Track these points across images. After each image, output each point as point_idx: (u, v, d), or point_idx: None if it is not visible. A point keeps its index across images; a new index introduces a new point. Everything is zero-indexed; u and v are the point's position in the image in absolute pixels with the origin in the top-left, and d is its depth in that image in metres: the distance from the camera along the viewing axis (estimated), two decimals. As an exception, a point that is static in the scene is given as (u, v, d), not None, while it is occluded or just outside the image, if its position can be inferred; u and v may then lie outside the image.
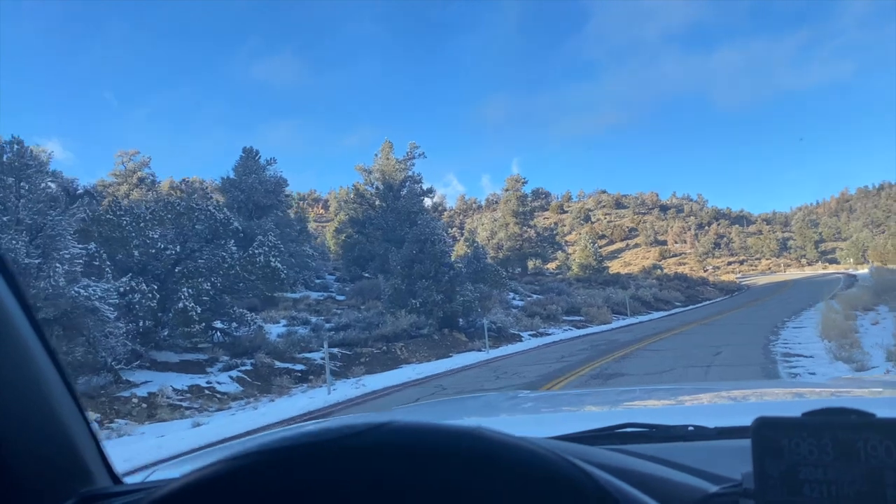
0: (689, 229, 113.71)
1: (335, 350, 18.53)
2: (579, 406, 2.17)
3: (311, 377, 16.14)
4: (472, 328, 21.37)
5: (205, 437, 8.27)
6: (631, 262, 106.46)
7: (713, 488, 0.82)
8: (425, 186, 37.05)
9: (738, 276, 61.87)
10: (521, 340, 21.92)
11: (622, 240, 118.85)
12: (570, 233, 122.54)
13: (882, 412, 0.68)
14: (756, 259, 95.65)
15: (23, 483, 0.79)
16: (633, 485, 0.64)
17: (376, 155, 37.26)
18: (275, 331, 20.79)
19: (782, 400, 1.98)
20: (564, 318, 28.05)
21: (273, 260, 17.96)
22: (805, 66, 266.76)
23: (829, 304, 21.27)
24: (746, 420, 0.79)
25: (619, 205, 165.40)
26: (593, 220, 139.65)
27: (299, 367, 16.99)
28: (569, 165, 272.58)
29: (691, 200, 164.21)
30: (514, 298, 33.20)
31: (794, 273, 65.07)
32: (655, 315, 31.51)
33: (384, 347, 18.71)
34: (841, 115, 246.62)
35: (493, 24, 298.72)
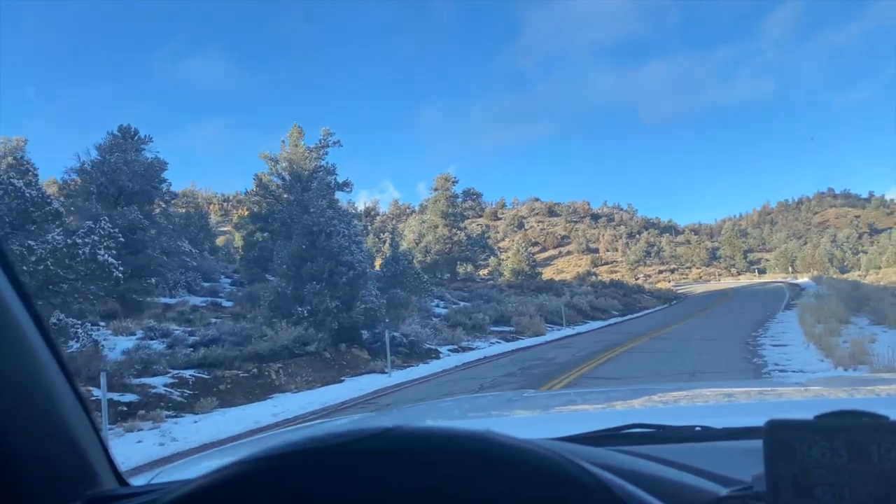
0: (620, 238, 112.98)
1: (189, 373, 14.03)
2: (586, 406, 2.15)
3: (140, 412, 11.64)
4: (379, 342, 17.19)
5: None
6: (564, 269, 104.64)
7: (723, 491, 0.81)
8: (340, 179, 32.62)
9: (673, 284, 60.21)
10: (437, 357, 17.87)
11: (555, 247, 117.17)
12: (503, 239, 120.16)
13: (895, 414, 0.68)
14: (686, 268, 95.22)
15: (26, 485, 0.77)
16: (642, 487, 0.63)
17: (283, 141, 32.58)
18: (123, 346, 16.12)
19: (791, 399, 1.94)
20: (493, 328, 24.26)
21: (102, 253, 13.31)
22: (729, 83, 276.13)
23: (802, 316, 18.27)
24: (755, 420, 0.79)
25: (551, 213, 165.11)
26: (526, 227, 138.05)
27: (129, 397, 12.43)
28: (504, 174, 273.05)
29: (622, 210, 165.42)
30: (437, 306, 29.18)
31: (729, 282, 63.86)
32: (593, 325, 28.13)
33: (255, 369, 14.29)
34: (762, 132, 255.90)
35: (426, 29, 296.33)
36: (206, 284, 27.65)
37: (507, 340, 21.90)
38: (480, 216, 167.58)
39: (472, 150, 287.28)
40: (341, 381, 14.36)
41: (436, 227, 49.53)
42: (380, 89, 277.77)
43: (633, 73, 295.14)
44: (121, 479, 0.93)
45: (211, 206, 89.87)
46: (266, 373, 14.10)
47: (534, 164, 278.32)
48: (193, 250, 26.24)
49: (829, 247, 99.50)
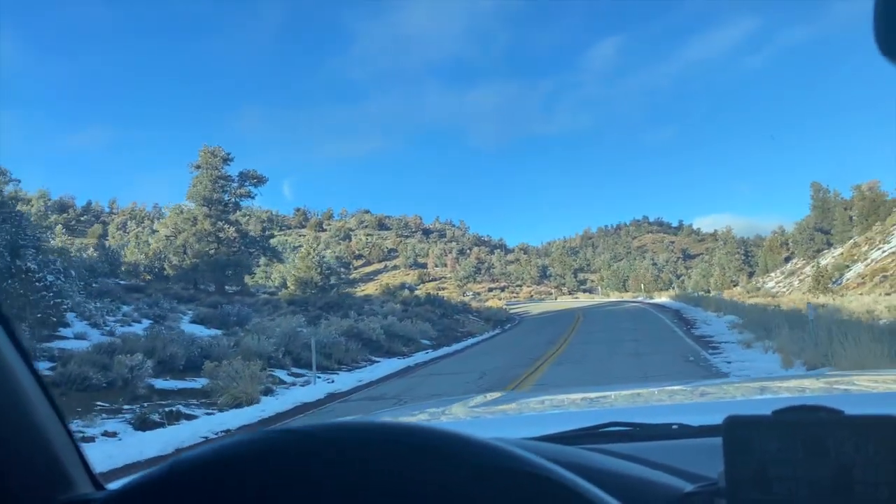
0: (450, 253, 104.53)
1: None
2: (565, 405, 2.15)
3: None
4: None
5: None
6: (389, 284, 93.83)
7: (688, 487, 0.82)
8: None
9: (505, 302, 51.86)
10: None
11: (380, 261, 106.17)
12: (325, 250, 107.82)
13: (852, 409, 0.69)
14: (517, 286, 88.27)
15: None
16: (612, 485, 0.64)
17: None
18: None
19: (761, 397, 1.97)
20: (165, 383, 11.92)
21: None
22: (551, 112, 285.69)
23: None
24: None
25: (382, 226, 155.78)
26: (353, 239, 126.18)
27: None
28: (339, 187, 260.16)
29: (454, 226, 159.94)
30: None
31: (567, 301, 56.30)
32: (378, 371, 16.44)
33: None
34: (584, 160, 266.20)
35: (251, 30, 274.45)
36: None
37: (137, 427, 9.37)
38: (304, 226, 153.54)
39: (303, 162, 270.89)
40: None
41: (195, 218, 35.85)
42: (194, 87, 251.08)
43: (464, 95, 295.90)
44: (97, 483, 0.90)
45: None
46: None
47: (369, 178, 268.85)
48: None
49: (652, 269, 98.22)
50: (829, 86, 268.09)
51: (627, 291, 69.77)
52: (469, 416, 1.98)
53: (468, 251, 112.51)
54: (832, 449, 0.67)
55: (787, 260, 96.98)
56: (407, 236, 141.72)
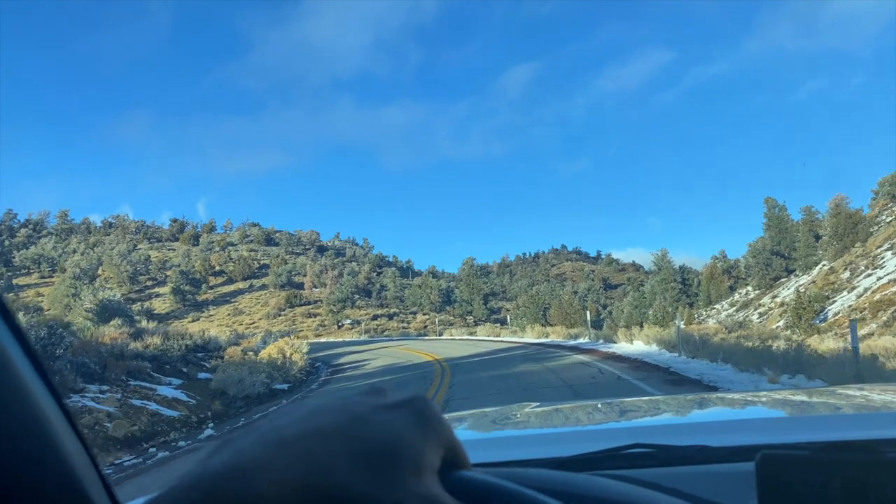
0: (328, 270, 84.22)
1: None
2: (589, 422, 2.08)
3: None
4: None
5: None
6: (247, 308, 72.84)
7: None
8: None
9: (367, 335, 33.09)
10: None
11: (245, 279, 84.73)
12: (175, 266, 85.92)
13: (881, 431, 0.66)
14: (411, 312, 69.06)
15: None
16: None
17: None
18: None
19: (793, 416, 1.85)
20: None
21: None
22: (465, 138, 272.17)
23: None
24: (757, 438, 0.78)
25: (270, 241, 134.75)
26: (240, 254, 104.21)
27: None
28: (237, 200, 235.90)
29: (356, 244, 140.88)
30: None
31: (462, 338, 35.92)
32: None
33: None
34: (500, 188, 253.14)
35: (139, 29, 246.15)
36: None
37: None
38: (176, 239, 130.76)
39: (202, 174, 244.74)
40: None
41: None
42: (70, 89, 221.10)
43: (374, 112, 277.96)
44: (114, 499, 0.87)
45: None
46: None
47: (271, 194, 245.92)
48: None
49: (573, 298, 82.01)
50: (742, 121, 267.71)
51: (550, 325, 51.84)
52: (499, 431, 1.92)
53: (376, 272, 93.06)
54: (871, 491, 0.62)
55: (732, 289, 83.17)
56: (298, 253, 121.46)
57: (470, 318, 69.36)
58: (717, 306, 76.24)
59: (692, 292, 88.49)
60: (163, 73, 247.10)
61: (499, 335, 32.65)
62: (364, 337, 42.16)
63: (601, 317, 76.82)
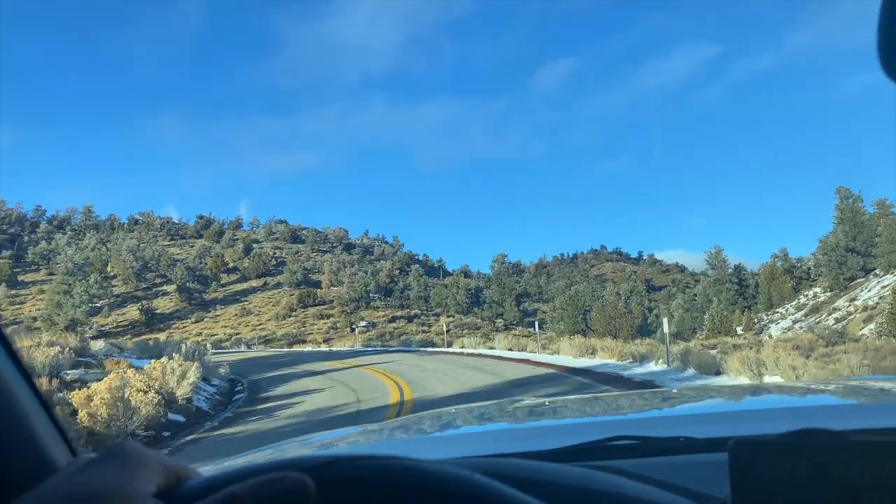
0: (346, 267, 77.96)
1: None
2: (573, 416, 2.11)
3: None
4: None
5: None
6: (258, 308, 66.97)
7: None
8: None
9: (360, 344, 26.65)
10: None
11: (259, 276, 79.06)
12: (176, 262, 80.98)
13: (861, 422, 0.69)
14: (435, 315, 62.23)
15: None
16: None
17: None
18: None
19: (767, 407, 1.95)
20: None
21: None
22: (501, 136, 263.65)
23: None
24: (737, 430, 0.79)
25: (296, 238, 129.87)
26: (255, 251, 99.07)
27: None
28: (271, 199, 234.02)
29: (385, 242, 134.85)
30: None
31: (473, 352, 25.75)
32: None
33: None
34: (536, 187, 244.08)
35: (171, 27, 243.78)
36: None
37: None
38: (201, 236, 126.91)
39: (229, 174, 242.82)
40: None
41: None
42: (108, 90, 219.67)
43: (408, 110, 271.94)
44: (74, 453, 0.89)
45: None
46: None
47: (303, 192, 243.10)
48: None
49: (616, 300, 74.02)
50: (789, 116, 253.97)
51: (591, 330, 44.47)
52: (483, 426, 1.92)
53: (405, 271, 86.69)
54: (838, 473, 0.65)
55: (795, 291, 74.22)
56: (324, 251, 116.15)
57: (500, 322, 62.19)
58: (780, 310, 67.53)
59: (749, 294, 79.79)
60: (197, 73, 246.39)
61: (524, 347, 23.90)
62: (358, 346, 35.51)
63: (648, 321, 68.88)
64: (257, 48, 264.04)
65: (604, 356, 17.72)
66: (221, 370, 17.14)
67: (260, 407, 12.11)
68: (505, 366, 17.09)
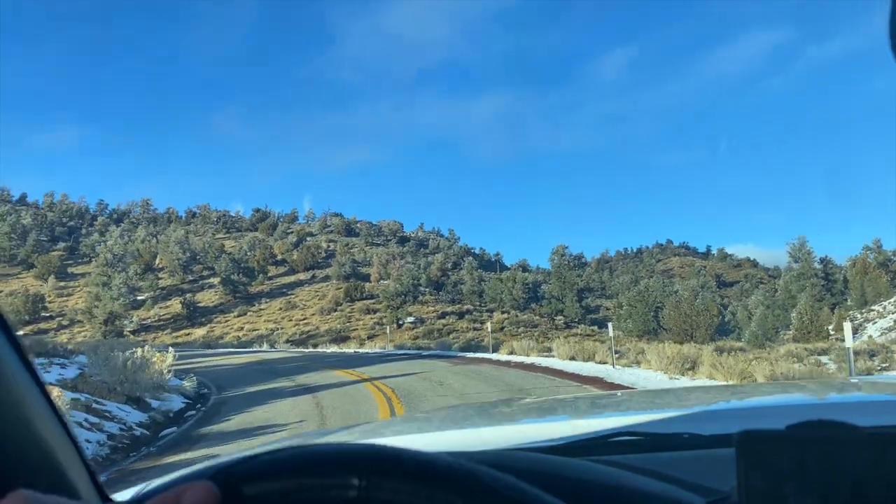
0: (396, 259, 74.04)
1: None
2: (579, 414, 2.10)
3: None
4: None
5: None
6: (303, 302, 63.98)
7: (701, 502, 0.80)
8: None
9: (391, 345, 22.35)
10: None
11: (308, 269, 76.19)
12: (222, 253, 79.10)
13: (870, 419, 0.70)
14: (488, 311, 57.66)
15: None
16: (625, 501, 0.64)
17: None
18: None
19: (776, 403, 1.95)
20: None
21: None
22: (559, 128, 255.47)
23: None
24: (743, 425, 0.80)
25: (350, 231, 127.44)
26: (308, 243, 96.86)
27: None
28: (333, 193, 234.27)
29: (441, 236, 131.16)
30: None
31: (525, 360, 19.04)
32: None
33: None
34: (599, 180, 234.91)
35: (229, 23, 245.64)
36: None
37: None
38: (256, 229, 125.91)
39: (289, 169, 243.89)
40: None
41: None
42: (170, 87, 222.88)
43: (464, 104, 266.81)
44: (104, 495, 0.86)
45: None
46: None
47: (357, 186, 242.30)
48: None
49: (692, 297, 67.77)
50: (867, 105, 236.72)
51: (665, 336, 39.24)
52: (488, 424, 1.87)
53: (431, 262, 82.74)
54: (847, 465, 0.64)
55: (893, 286, 66.38)
56: (378, 244, 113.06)
57: (559, 319, 57.12)
58: (876, 308, 60.16)
59: (837, 290, 72.06)
60: (258, 72, 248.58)
61: (592, 355, 17.28)
62: (391, 347, 31.17)
63: (725, 319, 62.62)
64: (314, 43, 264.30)
65: (715, 375, 11.88)
66: (187, 384, 13.27)
67: (181, 457, 7.90)
68: (567, 390, 11.89)
